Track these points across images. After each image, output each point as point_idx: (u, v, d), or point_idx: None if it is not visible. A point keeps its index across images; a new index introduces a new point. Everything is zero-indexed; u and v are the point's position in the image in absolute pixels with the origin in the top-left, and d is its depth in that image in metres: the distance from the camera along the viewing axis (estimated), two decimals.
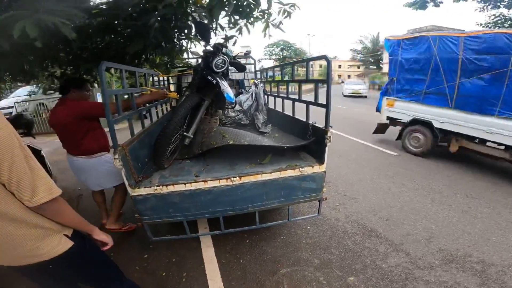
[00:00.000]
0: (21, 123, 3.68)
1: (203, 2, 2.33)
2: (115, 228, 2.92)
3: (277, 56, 49.44)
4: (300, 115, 2.83)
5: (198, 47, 4.16)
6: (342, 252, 2.67)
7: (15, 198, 1.06)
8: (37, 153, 3.85)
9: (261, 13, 2.79)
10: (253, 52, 4.69)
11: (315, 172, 2.17)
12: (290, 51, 49.23)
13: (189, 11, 2.36)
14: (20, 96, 11.19)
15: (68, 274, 1.36)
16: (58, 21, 1.47)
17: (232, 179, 2.03)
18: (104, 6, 2.55)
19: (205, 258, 2.62)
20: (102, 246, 1.44)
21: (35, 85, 10.30)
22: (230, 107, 3.65)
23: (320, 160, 2.22)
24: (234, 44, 3.20)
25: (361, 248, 2.71)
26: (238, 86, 4.77)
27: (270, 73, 3.89)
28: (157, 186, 1.96)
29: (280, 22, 3.04)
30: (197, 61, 4.08)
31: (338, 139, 7.21)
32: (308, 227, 3.09)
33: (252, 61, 4.90)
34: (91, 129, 2.51)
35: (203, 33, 2.52)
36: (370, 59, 42.38)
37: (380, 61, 39.06)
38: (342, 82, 47.87)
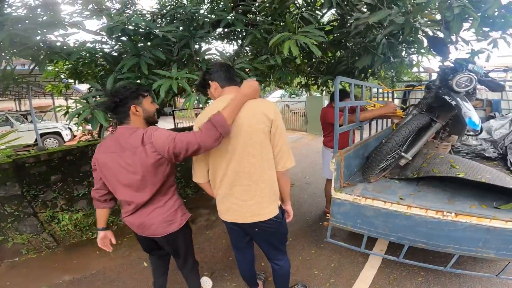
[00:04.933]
0: None
1: (434, 16, 2.12)
2: (328, 211, 3.40)
3: None
4: None
5: (433, 62, 3.75)
6: None
7: (273, 165, 1.57)
8: None
9: None
10: None
11: None
12: None
13: (418, 25, 2.23)
14: (274, 97, 15.02)
15: (261, 237, 1.74)
16: (309, 42, 1.93)
17: (444, 213, 1.83)
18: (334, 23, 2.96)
19: (360, 276, 2.50)
20: (287, 217, 1.81)
21: (284, 90, 13.59)
22: (471, 134, 3.07)
23: None
24: (487, 59, 2.62)
25: None
26: (490, 108, 3.85)
27: None
28: (357, 196, 2.08)
29: None
30: (430, 76, 3.71)
31: None
32: None
33: None
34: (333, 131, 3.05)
35: (439, 48, 2.29)
36: None
37: None
38: None
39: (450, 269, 2.01)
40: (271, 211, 1.61)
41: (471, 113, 2.02)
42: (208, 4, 3.80)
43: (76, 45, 2.34)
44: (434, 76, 2.82)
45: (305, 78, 4.21)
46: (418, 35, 2.80)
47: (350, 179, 2.45)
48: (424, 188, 2.27)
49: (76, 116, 1.81)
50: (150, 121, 1.67)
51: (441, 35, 2.46)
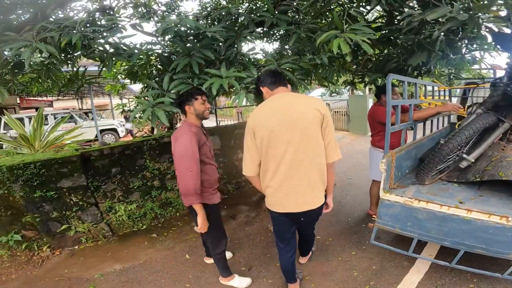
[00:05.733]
0: None
1: (498, 12, 1.94)
2: (373, 213, 3.26)
3: None
4: None
5: (497, 58, 3.40)
6: None
7: (324, 157, 1.72)
8: None
9: None
10: None
11: None
12: None
13: (481, 21, 2.05)
14: (314, 96, 14.73)
15: (306, 222, 1.93)
16: (359, 39, 1.88)
17: (509, 218, 1.74)
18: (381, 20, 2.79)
19: (404, 281, 2.37)
20: (326, 208, 1.97)
21: (325, 88, 13.25)
22: None
23: None
24: None
25: None
26: None
27: None
28: (409, 197, 2.03)
29: None
30: (494, 74, 3.38)
31: None
32: None
33: None
34: (382, 130, 2.87)
35: (506, 44, 2.14)
36: None
37: None
38: None
39: (507, 276, 1.91)
40: (320, 200, 1.78)
41: None
42: (247, 4, 3.86)
43: (131, 47, 2.53)
44: (500, 74, 2.59)
45: (351, 76, 4.08)
46: (481, 31, 2.58)
47: (401, 181, 2.37)
48: (486, 193, 2.15)
49: (139, 113, 1.98)
50: (201, 117, 2.08)
51: (507, 31, 2.26)
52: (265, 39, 3.45)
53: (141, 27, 2.34)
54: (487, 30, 2.55)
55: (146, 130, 5.66)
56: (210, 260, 2.74)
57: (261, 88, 1.84)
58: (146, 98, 2.04)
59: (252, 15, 2.86)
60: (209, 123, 6.67)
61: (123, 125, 11.11)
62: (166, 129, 5.07)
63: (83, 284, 2.63)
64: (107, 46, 2.20)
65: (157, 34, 2.53)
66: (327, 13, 3.20)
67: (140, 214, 3.68)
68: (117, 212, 3.54)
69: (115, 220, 3.53)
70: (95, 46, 2.10)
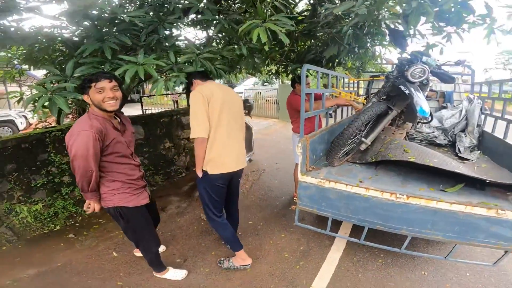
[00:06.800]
0: (245, 105, 4.99)
1: (396, 9, 2.25)
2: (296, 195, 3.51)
3: None
4: None
5: (394, 54, 4.00)
6: None
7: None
8: (249, 129, 5.19)
9: (479, 18, 2.28)
10: (478, 59, 3.87)
11: None
12: None
13: (380, 18, 2.35)
14: (247, 85, 14.93)
15: (238, 183, 2.50)
16: (277, 29, 1.96)
17: (397, 195, 1.94)
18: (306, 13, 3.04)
19: (327, 259, 2.65)
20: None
21: (257, 77, 13.56)
22: (424, 121, 3.31)
23: None
24: (441, 53, 2.82)
25: None
26: (443, 99, 4.16)
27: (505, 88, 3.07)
28: (321, 179, 2.16)
29: None
30: (392, 67, 3.95)
31: None
32: (467, 274, 2.43)
33: (469, 71, 4.07)
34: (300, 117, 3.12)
35: (398, 40, 2.44)
36: None
37: None
38: None
39: (404, 251, 2.14)
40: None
41: (422, 102, 2.17)
42: None
43: (32, 30, 2.17)
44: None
45: (276, 66, 4.25)
46: (381, 28, 2.92)
47: (316, 163, 2.54)
48: (381, 172, 2.39)
49: (33, 102, 1.70)
50: (102, 109, 1.78)
51: (401, 28, 2.61)
52: (198, 26, 3.35)
53: (40, 10, 2.00)
54: (386, 27, 2.92)
55: (51, 121, 4.92)
56: (140, 253, 2.59)
57: (193, 80, 2.19)
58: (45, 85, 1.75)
59: (182, 1, 2.71)
60: (135, 112, 6.19)
61: (24, 115, 9.42)
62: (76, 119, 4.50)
63: None
64: None
65: (62, 18, 2.20)
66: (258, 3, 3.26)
67: (50, 214, 3.26)
68: (19, 214, 3.07)
69: (18, 223, 3.06)
70: None
